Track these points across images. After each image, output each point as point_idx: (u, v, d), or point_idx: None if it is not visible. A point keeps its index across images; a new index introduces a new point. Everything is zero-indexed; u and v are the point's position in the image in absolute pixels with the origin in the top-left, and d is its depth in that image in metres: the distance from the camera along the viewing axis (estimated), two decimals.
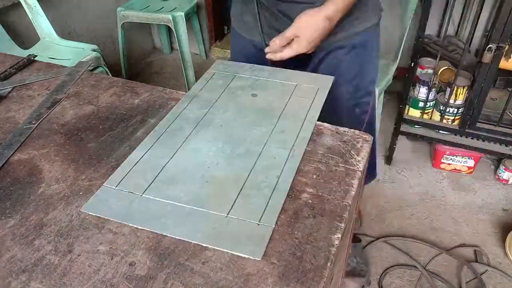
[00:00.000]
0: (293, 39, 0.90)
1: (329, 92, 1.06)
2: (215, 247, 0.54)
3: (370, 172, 1.28)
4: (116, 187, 0.64)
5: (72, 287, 0.50)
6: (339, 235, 0.55)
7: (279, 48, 0.90)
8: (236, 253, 0.53)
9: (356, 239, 1.59)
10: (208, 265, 0.52)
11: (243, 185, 0.63)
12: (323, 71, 1.05)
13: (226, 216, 0.58)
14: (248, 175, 0.65)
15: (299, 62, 1.08)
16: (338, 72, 1.04)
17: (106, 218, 0.59)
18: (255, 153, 0.69)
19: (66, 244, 0.55)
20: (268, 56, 0.93)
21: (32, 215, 0.60)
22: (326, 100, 1.08)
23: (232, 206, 0.59)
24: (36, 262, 0.53)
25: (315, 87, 0.86)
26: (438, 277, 1.53)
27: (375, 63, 1.09)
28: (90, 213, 0.60)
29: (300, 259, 0.52)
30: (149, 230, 0.57)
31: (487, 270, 1.55)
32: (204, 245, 0.54)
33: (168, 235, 0.56)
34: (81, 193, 0.63)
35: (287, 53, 0.91)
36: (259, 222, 0.57)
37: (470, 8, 2.14)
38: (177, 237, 0.56)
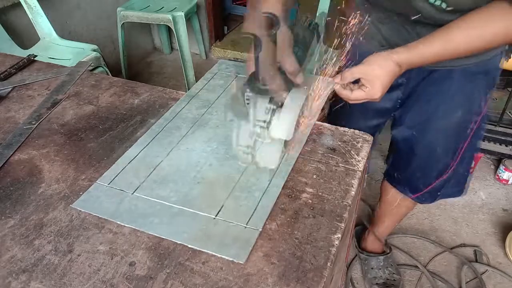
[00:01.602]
0: (362, 84, 0.82)
1: (442, 113, 1.03)
2: (200, 249, 0.53)
3: (459, 190, 1.23)
4: (108, 184, 0.64)
5: (72, 287, 0.50)
6: (339, 235, 0.55)
7: (349, 80, 0.82)
8: (220, 255, 0.52)
9: (387, 249, 1.58)
10: (208, 265, 0.52)
11: (234, 187, 0.63)
12: (439, 91, 1.01)
13: (214, 218, 0.58)
14: (240, 177, 0.64)
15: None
16: (457, 96, 1.01)
17: (96, 215, 0.59)
18: None
19: (66, 244, 0.55)
20: (336, 87, 0.83)
21: (32, 215, 0.60)
22: (437, 124, 1.05)
23: (221, 208, 0.59)
24: (36, 262, 0.53)
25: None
26: (438, 277, 1.53)
27: (494, 86, 1.05)
28: (81, 210, 0.60)
29: (300, 259, 0.52)
30: (134, 228, 0.57)
31: (487, 270, 1.55)
32: (189, 246, 0.54)
33: (155, 234, 0.56)
34: (81, 193, 0.63)
35: (356, 95, 0.81)
36: (246, 225, 0.56)
37: None
38: (162, 237, 0.55)
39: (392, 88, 0.88)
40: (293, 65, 0.69)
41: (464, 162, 1.15)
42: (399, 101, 1.12)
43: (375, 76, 0.79)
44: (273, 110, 0.63)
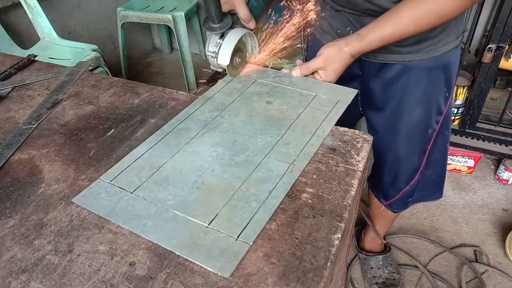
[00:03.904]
0: (317, 72, 0.90)
1: (400, 112, 1.05)
2: (187, 257, 0.53)
3: (436, 192, 1.25)
4: (110, 182, 0.64)
5: (72, 287, 0.50)
6: (339, 235, 0.55)
7: (307, 73, 0.89)
8: (205, 267, 0.51)
9: (385, 248, 1.58)
10: None
11: (232, 196, 0.61)
12: (396, 90, 1.03)
13: (206, 227, 0.56)
14: (240, 186, 0.63)
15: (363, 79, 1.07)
16: (414, 93, 1.02)
17: (96, 214, 0.59)
18: (253, 163, 0.67)
19: (66, 244, 0.55)
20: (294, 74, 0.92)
21: (32, 215, 0.60)
22: (397, 123, 1.05)
23: (215, 217, 0.58)
24: (36, 262, 0.53)
25: (334, 100, 0.82)
26: (438, 277, 1.53)
27: (452, 82, 1.06)
28: (80, 209, 0.60)
29: (300, 259, 0.52)
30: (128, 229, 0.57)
31: (487, 270, 1.55)
32: (177, 253, 0.53)
33: (146, 238, 0.55)
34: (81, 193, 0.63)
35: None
36: (237, 237, 0.55)
37: (470, 8, 2.14)
38: (153, 241, 0.55)
39: (350, 79, 0.91)
40: (245, 13, 0.86)
41: (432, 165, 1.15)
42: (359, 92, 1.13)
43: (330, 68, 0.87)
44: (220, 44, 0.84)
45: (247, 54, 0.93)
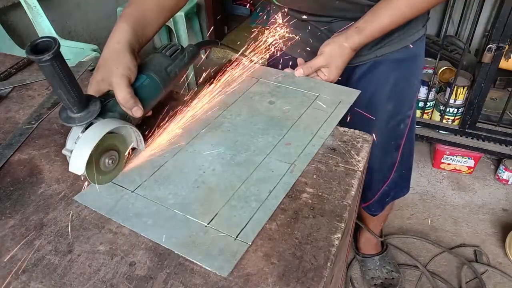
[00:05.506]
0: (320, 70, 0.89)
1: (373, 108, 1.03)
2: (186, 256, 0.53)
3: (405, 186, 1.24)
4: (111, 180, 0.64)
5: (72, 287, 0.50)
6: (339, 235, 0.55)
7: (310, 73, 0.88)
8: (203, 266, 0.51)
9: (383, 247, 1.58)
10: None
11: (232, 195, 0.61)
12: (366, 85, 1.02)
13: (205, 226, 0.56)
14: (240, 186, 0.63)
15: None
16: (385, 88, 1.02)
17: (97, 212, 0.59)
18: (254, 163, 0.67)
19: (66, 244, 0.55)
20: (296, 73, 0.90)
21: (32, 215, 0.60)
22: (371, 115, 1.03)
23: (215, 216, 0.58)
24: (36, 262, 0.53)
25: (336, 100, 0.81)
26: (438, 277, 1.53)
27: (420, 73, 1.07)
28: (80, 208, 0.60)
29: (300, 259, 0.52)
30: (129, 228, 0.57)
31: (487, 270, 1.55)
32: (175, 252, 0.53)
33: (145, 236, 0.56)
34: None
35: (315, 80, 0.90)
36: (236, 237, 0.55)
37: (470, 8, 2.14)
38: (152, 240, 0.55)
39: None
40: (125, 97, 0.63)
41: (404, 160, 1.15)
42: None
43: (333, 65, 0.86)
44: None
45: (129, 151, 0.67)
